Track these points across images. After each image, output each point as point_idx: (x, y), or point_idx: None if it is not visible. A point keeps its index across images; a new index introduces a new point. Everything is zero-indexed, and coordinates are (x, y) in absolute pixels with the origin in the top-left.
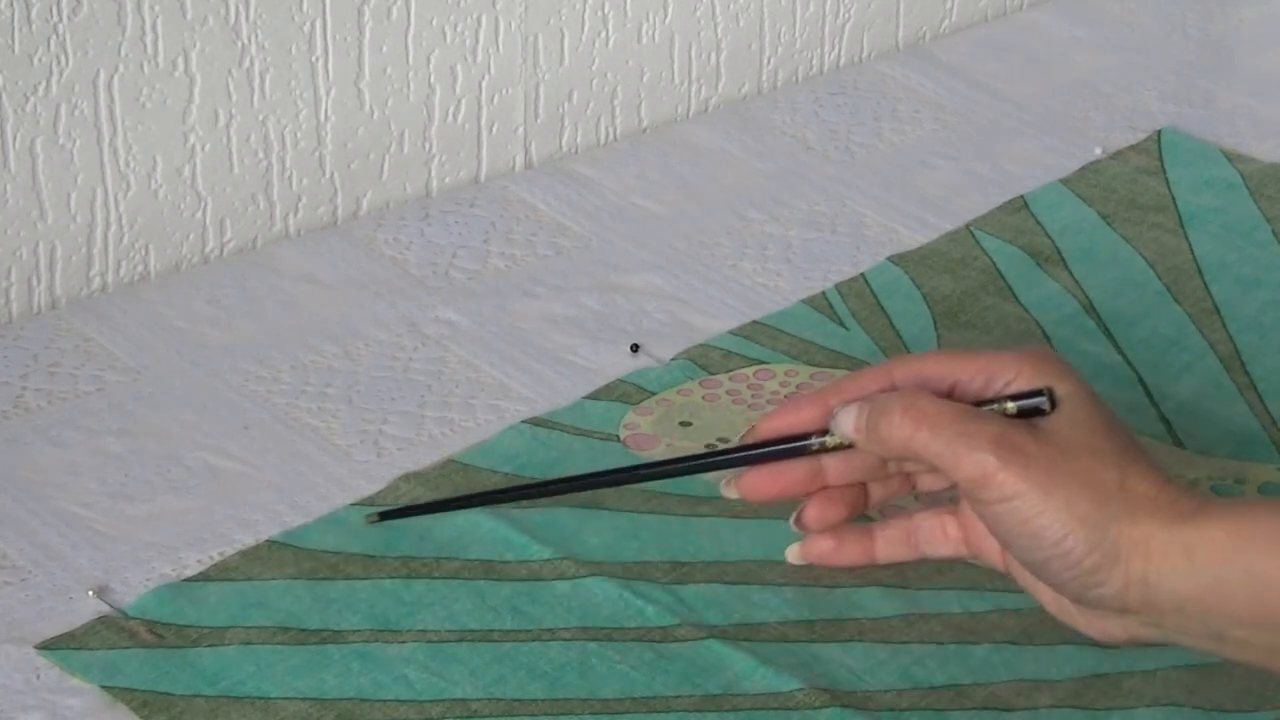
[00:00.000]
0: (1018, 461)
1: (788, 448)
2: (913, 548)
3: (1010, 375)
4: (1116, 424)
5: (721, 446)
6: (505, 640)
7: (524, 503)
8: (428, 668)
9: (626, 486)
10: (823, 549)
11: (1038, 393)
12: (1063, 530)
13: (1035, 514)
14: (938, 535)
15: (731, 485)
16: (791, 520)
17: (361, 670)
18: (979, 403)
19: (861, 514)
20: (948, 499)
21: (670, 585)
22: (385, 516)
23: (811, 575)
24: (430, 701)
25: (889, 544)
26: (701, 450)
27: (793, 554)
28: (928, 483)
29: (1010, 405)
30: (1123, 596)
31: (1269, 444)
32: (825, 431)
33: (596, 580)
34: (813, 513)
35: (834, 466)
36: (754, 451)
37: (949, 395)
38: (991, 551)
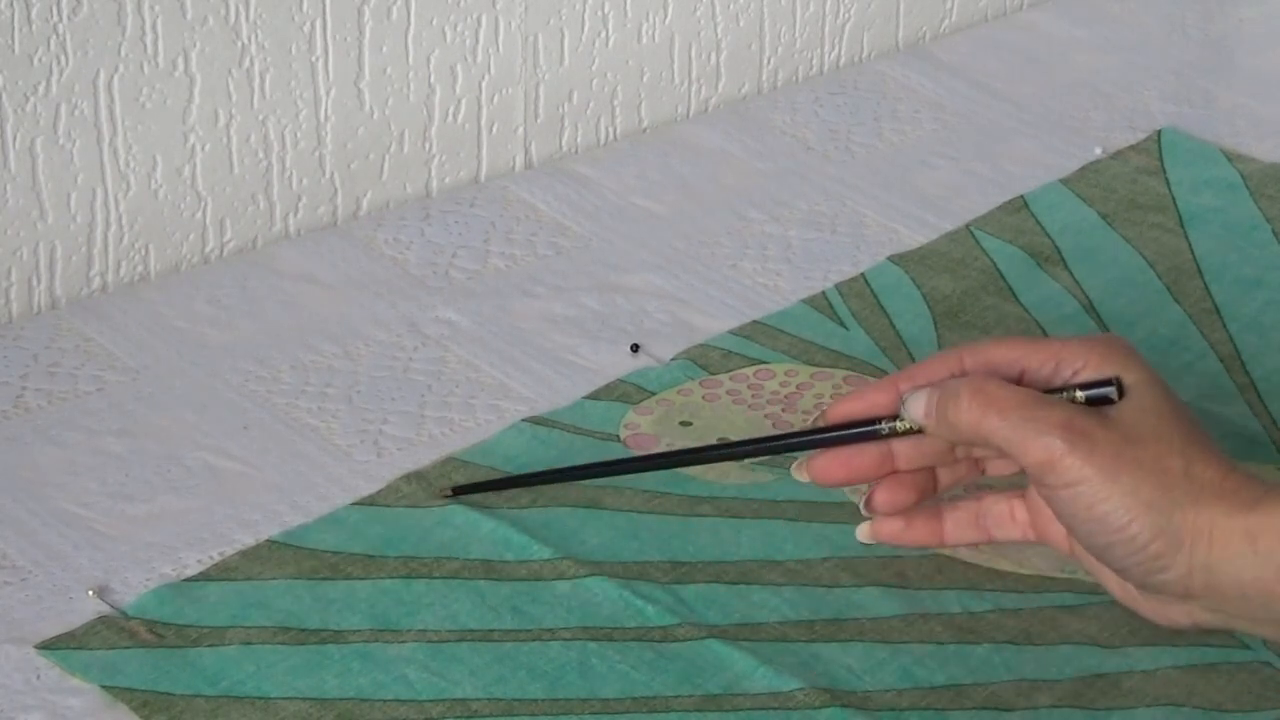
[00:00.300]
0: (1084, 446)
1: (858, 432)
2: (981, 530)
3: (1079, 363)
4: (1183, 412)
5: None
6: (505, 640)
7: (524, 502)
8: (428, 668)
9: (626, 486)
10: (892, 529)
11: (1106, 382)
12: (1127, 516)
13: (1100, 499)
14: (1006, 519)
15: (802, 469)
16: (861, 504)
17: (361, 670)
18: (1048, 390)
19: (930, 498)
20: (1015, 485)
21: (670, 585)
22: (459, 491)
23: (812, 575)
24: (430, 701)
25: (958, 526)
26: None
27: (863, 533)
28: (996, 468)
29: (1079, 394)
30: (1186, 582)
31: (1269, 444)
32: (895, 416)
33: (596, 580)
34: (882, 497)
35: (903, 451)
36: (824, 435)
37: (1018, 382)
38: (1057, 536)
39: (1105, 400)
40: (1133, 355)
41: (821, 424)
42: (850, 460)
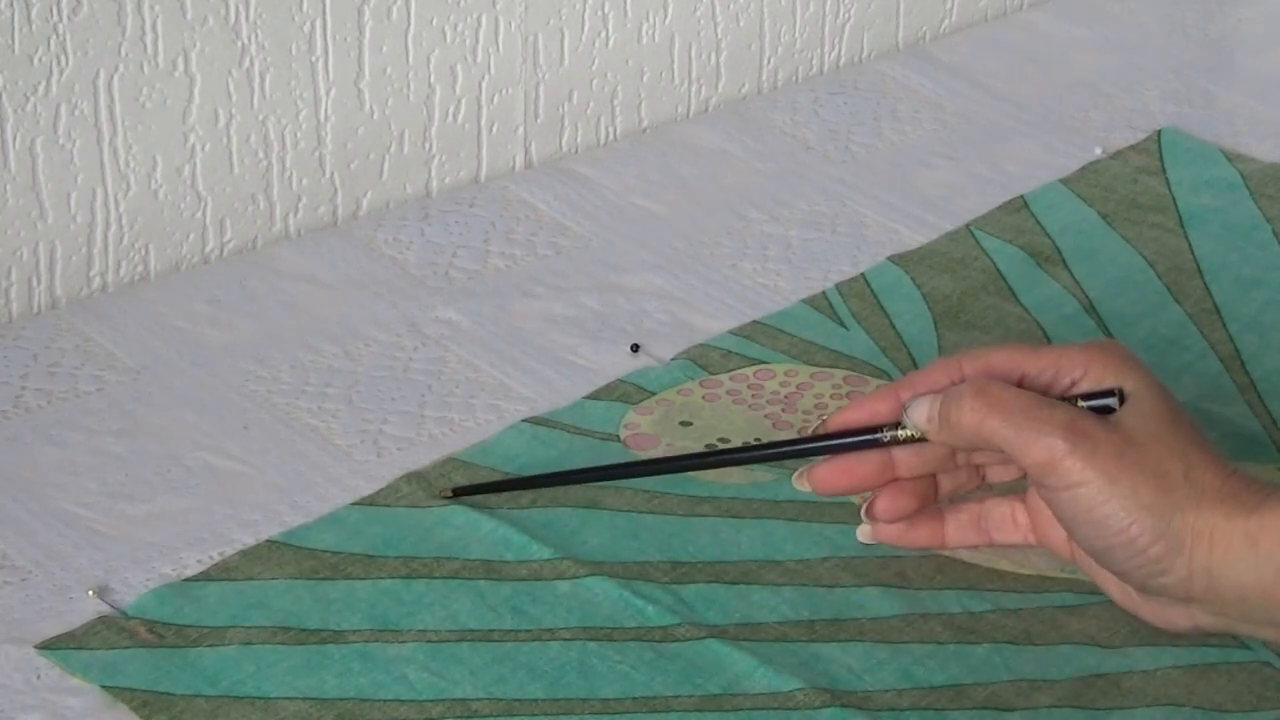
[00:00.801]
0: (1085, 447)
1: (859, 440)
2: (982, 533)
3: (1079, 371)
4: (1183, 417)
5: (763, 440)
6: (505, 640)
7: (524, 502)
8: (428, 668)
9: (626, 486)
10: (893, 530)
11: (1108, 392)
12: (1127, 518)
13: (1100, 502)
14: (1007, 522)
15: (803, 479)
16: (862, 511)
17: (361, 670)
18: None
19: (931, 505)
20: (1016, 489)
21: (670, 585)
22: (459, 492)
23: (812, 575)
24: (430, 701)
25: (959, 528)
26: (702, 449)
27: (863, 534)
28: (996, 474)
29: (1080, 405)
30: (1186, 585)
31: (1269, 444)
32: (896, 424)
33: (596, 580)
34: (883, 504)
35: (904, 459)
36: (826, 443)
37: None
38: (1058, 540)
39: (1107, 410)
40: (1131, 361)
41: (822, 433)
42: (852, 469)
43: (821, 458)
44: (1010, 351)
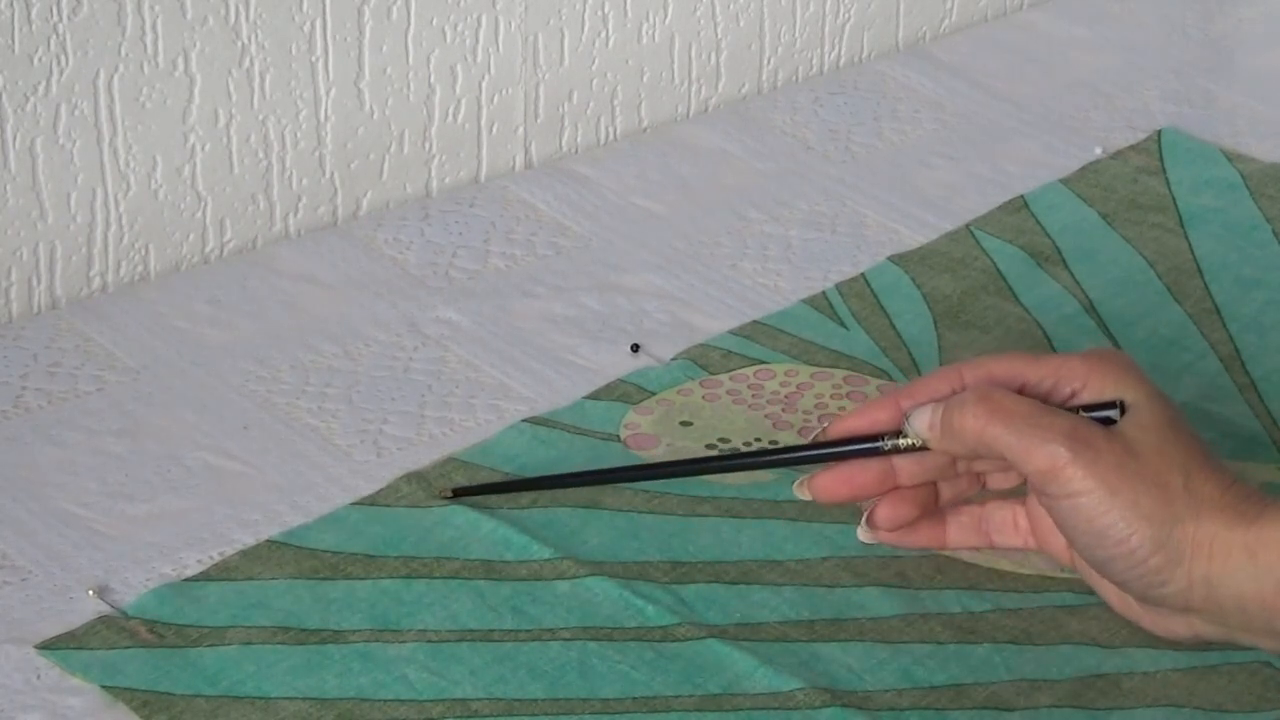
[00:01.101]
0: (1087, 456)
1: (860, 448)
2: (983, 535)
3: (1079, 381)
4: (1183, 427)
5: (771, 446)
6: (505, 640)
7: (524, 503)
8: (428, 668)
9: (626, 487)
10: (894, 532)
11: (1110, 404)
12: (1127, 529)
13: (1101, 512)
14: (1008, 526)
15: (804, 487)
16: (863, 519)
17: (361, 670)
18: None
19: (931, 513)
20: (1017, 494)
21: (670, 585)
22: (459, 493)
23: (812, 575)
24: (430, 701)
25: (960, 530)
26: (702, 450)
27: (863, 534)
28: (996, 481)
29: (1082, 415)
30: (1186, 595)
31: (1269, 444)
32: (897, 432)
33: (596, 580)
34: (884, 512)
35: (905, 467)
36: (827, 450)
37: None
38: (1058, 547)
39: (1108, 422)
40: (1132, 371)
41: (823, 440)
42: (852, 477)
43: (822, 466)
44: (1011, 360)
